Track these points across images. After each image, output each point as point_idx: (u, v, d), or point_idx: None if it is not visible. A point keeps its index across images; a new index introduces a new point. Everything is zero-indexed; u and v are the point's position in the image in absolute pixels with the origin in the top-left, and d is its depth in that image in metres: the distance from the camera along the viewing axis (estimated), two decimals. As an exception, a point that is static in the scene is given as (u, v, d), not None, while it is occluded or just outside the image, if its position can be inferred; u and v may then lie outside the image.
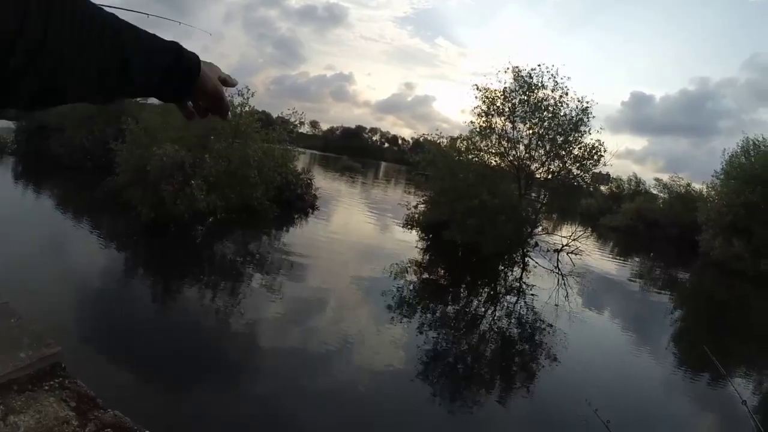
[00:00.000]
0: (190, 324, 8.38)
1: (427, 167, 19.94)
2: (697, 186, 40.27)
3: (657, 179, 48.26)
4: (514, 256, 18.88)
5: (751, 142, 31.30)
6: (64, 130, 22.11)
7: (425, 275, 15.04)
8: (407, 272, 14.26)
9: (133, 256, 12.08)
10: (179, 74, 0.79)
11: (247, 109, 17.50)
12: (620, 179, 51.89)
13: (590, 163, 19.27)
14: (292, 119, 20.20)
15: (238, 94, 17.41)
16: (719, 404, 8.82)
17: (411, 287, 13.07)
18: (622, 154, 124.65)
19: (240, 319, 8.77)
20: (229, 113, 0.94)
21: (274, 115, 22.69)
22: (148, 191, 13.76)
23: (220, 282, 11.04)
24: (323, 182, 31.13)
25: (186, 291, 10.11)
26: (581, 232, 20.62)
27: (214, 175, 14.63)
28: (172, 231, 13.51)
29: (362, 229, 20.64)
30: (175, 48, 0.77)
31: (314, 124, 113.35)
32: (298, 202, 19.97)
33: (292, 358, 7.69)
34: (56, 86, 0.62)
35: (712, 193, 33.30)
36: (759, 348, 13.81)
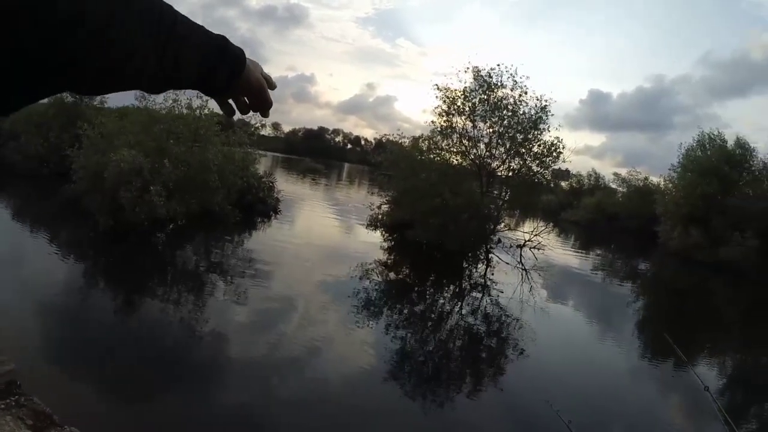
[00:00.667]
0: (153, 335, 8.18)
1: (389, 168, 20.01)
2: (654, 179, 41.50)
3: (616, 174, 49.67)
4: (478, 253, 19.06)
5: (706, 136, 32.48)
6: (19, 136, 21.39)
7: (391, 275, 15.07)
8: (373, 273, 14.28)
9: (93, 266, 11.75)
10: (226, 68, 0.79)
11: (206, 111, 17.24)
12: (580, 175, 52.99)
13: (550, 160, 19.68)
14: (253, 122, 20.00)
15: (197, 96, 17.15)
16: (683, 391, 9.06)
17: (377, 288, 13.07)
18: (581, 150, 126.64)
19: (205, 328, 8.61)
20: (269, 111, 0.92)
21: (235, 118, 22.39)
22: (106, 198, 13.42)
23: (183, 290, 10.83)
24: (286, 185, 30.89)
25: (148, 301, 9.86)
26: (543, 228, 21.02)
27: (173, 181, 14.36)
28: (133, 239, 13.18)
29: (326, 232, 20.56)
30: (222, 41, 0.77)
31: (276, 126, 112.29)
32: (260, 206, 19.74)
33: (261, 364, 7.61)
34: (115, 69, 0.62)
35: (670, 185, 34.33)
36: (719, 334, 14.30)
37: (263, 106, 0.90)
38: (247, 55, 0.82)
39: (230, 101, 0.89)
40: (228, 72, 0.79)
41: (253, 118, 19.90)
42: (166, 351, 7.63)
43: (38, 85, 0.58)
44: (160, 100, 16.91)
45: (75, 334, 7.73)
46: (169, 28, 0.67)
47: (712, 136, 32.49)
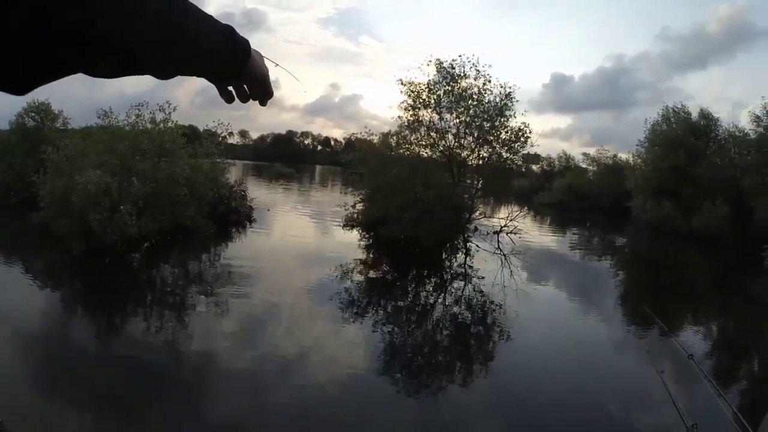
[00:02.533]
0: (138, 358, 7.96)
1: (359, 166, 19.99)
2: (623, 156, 42.36)
3: (585, 154, 50.39)
4: (456, 242, 19.17)
5: (671, 110, 33.18)
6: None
7: (371, 273, 15.06)
8: (353, 273, 14.25)
9: (69, 294, 11.47)
10: (233, 56, 0.81)
11: (170, 124, 17.01)
12: (550, 157, 53.65)
13: (518, 145, 19.86)
14: (219, 131, 19.79)
15: (159, 110, 16.92)
16: (668, 361, 9.14)
17: (359, 287, 13.07)
18: (549, 134, 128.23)
19: (190, 346, 8.52)
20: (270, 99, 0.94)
21: (201, 128, 22.13)
22: (75, 222, 13.07)
23: (164, 309, 10.63)
24: (258, 192, 30.62)
25: (129, 324, 9.65)
26: (517, 212, 21.20)
27: (142, 198, 14.12)
28: (107, 261, 12.89)
29: (303, 235, 20.45)
30: (230, 30, 0.79)
31: (244, 134, 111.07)
32: (234, 216, 19.49)
33: (251, 375, 7.52)
34: (136, 53, 0.63)
35: (639, 161, 35.03)
36: (698, 303, 14.56)
37: (264, 95, 0.92)
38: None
39: (230, 89, 0.90)
40: (239, 58, 0.81)
41: (219, 127, 19.78)
42: (153, 373, 7.47)
43: (66, 58, 0.59)
44: (123, 117, 16.70)
45: (57, 366, 7.54)
46: (183, 12, 0.68)
47: (676, 109, 33.23)
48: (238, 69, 0.83)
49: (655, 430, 6.57)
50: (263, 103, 0.94)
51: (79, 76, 0.65)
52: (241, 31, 0.79)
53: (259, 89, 0.90)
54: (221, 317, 9.98)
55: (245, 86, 0.89)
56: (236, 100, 0.92)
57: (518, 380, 8.06)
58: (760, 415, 5.39)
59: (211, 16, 0.75)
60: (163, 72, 0.72)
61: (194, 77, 0.80)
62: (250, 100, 0.93)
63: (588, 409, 7.22)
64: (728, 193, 27.03)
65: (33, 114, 22.50)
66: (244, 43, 0.82)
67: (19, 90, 0.60)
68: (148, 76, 0.71)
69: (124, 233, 13.10)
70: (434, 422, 6.68)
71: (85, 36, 0.56)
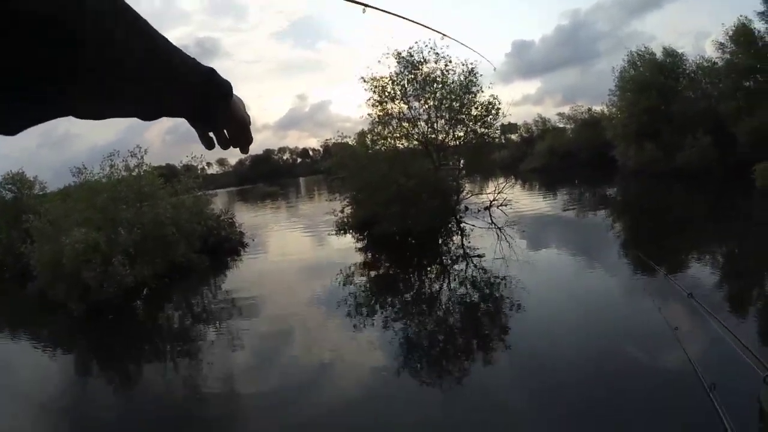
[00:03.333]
0: (159, 407, 7.96)
1: (339, 170, 20.02)
2: (597, 108, 42.47)
3: (560, 114, 50.79)
4: (450, 226, 19.21)
5: (635, 55, 33.31)
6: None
7: (372, 272, 15.06)
8: (355, 276, 14.25)
9: (78, 356, 11.37)
10: (214, 99, 0.79)
11: (145, 168, 16.99)
12: (527, 124, 53.80)
13: (491, 118, 19.92)
14: (194, 163, 19.79)
15: (131, 155, 16.88)
16: (671, 303, 9.12)
17: (363, 289, 13.09)
18: (520, 101, 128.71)
19: (209, 383, 8.44)
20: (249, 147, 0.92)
21: (179, 164, 22.09)
22: (71, 284, 13.05)
23: (176, 352, 10.62)
24: (247, 216, 30.64)
25: (145, 373, 9.64)
26: (504, 184, 21.26)
27: (132, 246, 14.12)
28: (110, 317, 12.81)
29: (298, 249, 20.43)
30: (212, 72, 0.78)
31: (222, 162, 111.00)
32: (226, 245, 19.54)
33: (275, 398, 7.49)
34: (118, 91, 0.61)
35: (614, 109, 35.16)
36: (693, 237, 14.56)
37: (244, 141, 0.90)
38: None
39: (211, 134, 0.88)
40: (217, 102, 0.80)
41: (193, 160, 19.77)
42: (174, 420, 7.46)
43: (41, 103, 0.56)
44: (98, 170, 16.68)
45: (76, 429, 7.59)
46: (166, 49, 0.67)
47: (640, 52, 33.38)
48: (221, 109, 0.82)
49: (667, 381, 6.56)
50: (244, 150, 0.92)
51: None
52: (199, 60, 0.79)
53: (240, 134, 0.89)
54: (234, 348, 9.96)
55: (225, 131, 0.88)
56: (216, 146, 0.90)
57: (534, 347, 8.06)
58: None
59: (193, 59, 0.74)
60: (148, 113, 0.71)
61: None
62: (231, 147, 0.91)
63: (604, 362, 7.26)
64: (707, 124, 27.17)
65: (9, 186, 22.43)
66: (226, 86, 0.81)
67: (9, 130, 0.58)
68: (123, 121, 0.71)
69: (120, 284, 13.08)
70: (462, 405, 6.69)
71: (79, 80, 0.55)
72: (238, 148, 0.92)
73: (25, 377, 10.12)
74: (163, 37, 0.67)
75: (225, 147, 0.90)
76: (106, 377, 10.05)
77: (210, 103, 0.79)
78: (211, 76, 0.77)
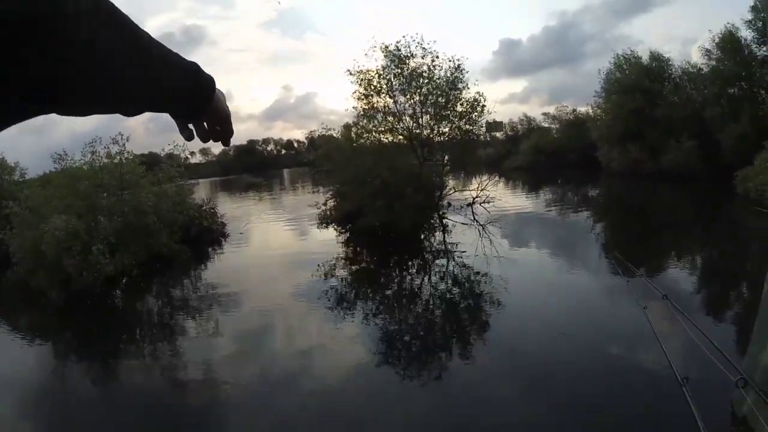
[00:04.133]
0: (138, 396, 7.91)
1: (324, 163, 19.97)
2: (582, 109, 42.82)
3: (545, 113, 50.93)
4: (432, 221, 19.24)
5: (621, 58, 33.67)
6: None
7: (354, 266, 15.07)
8: (336, 269, 14.24)
9: (57, 344, 11.21)
10: (197, 93, 0.80)
11: (127, 155, 16.79)
12: (513, 122, 54.00)
13: (476, 115, 19.95)
14: (176, 152, 19.61)
15: (113, 143, 16.65)
16: (646, 303, 9.23)
17: (344, 282, 13.07)
18: (506, 99, 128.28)
19: (189, 373, 8.44)
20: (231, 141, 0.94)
21: (162, 153, 21.83)
22: (51, 272, 12.93)
23: (156, 341, 10.56)
24: (230, 207, 30.45)
25: (123, 363, 9.50)
26: (488, 181, 21.33)
27: (112, 234, 13.96)
28: (89, 305, 12.70)
29: (281, 241, 20.32)
30: (195, 67, 0.78)
31: (205, 151, 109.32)
32: (208, 235, 19.41)
33: (255, 391, 7.48)
34: (101, 87, 0.61)
35: (599, 111, 35.43)
36: (672, 240, 14.74)
37: (226, 134, 0.91)
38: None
39: (191, 127, 0.88)
40: (202, 96, 0.81)
41: (175, 148, 19.58)
42: (154, 411, 7.38)
43: (27, 101, 0.56)
44: (79, 157, 16.47)
45: (53, 419, 7.51)
46: (149, 48, 0.67)
47: (626, 55, 33.76)
48: (203, 105, 0.83)
49: (644, 374, 6.64)
50: (226, 143, 0.94)
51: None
52: (184, 48, 0.78)
53: (222, 128, 0.90)
54: (215, 337, 9.96)
55: (206, 125, 0.89)
56: (196, 138, 0.91)
57: (513, 342, 8.14)
58: (743, 346, 5.50)
59: (177, 54, 0.74)
60: (130, 109, 0.71)
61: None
62: (211, 141, 0.92)
63: (582, 355, 7.36)
64: (691, 128, 27.45)
65: (-12, 171, 22.09)
66: (209, 80, 0.82)
67: None
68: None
69: (100, 272, 12.97)
70: (440, 399, 6.72)
71: (63, 79, 0.56)
72: (219, 142, 0.93)
73: (2, 364, 9.98)
74: (147, 34, 0.67)
75: (205, 140, 0.91)
76: (85, 365, 9.94)
77: (195, 100, 0.80)
78: (196, 73, 0.78)
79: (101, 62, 0.58)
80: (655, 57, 32.90)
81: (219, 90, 0.86)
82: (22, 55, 0.50)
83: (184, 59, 0.76)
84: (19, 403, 8.16)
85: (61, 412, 7.80)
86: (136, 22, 0.65)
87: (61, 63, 0.54)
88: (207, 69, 0.82)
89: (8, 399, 8.27)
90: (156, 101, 0.75)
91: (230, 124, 0.91)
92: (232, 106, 0.94)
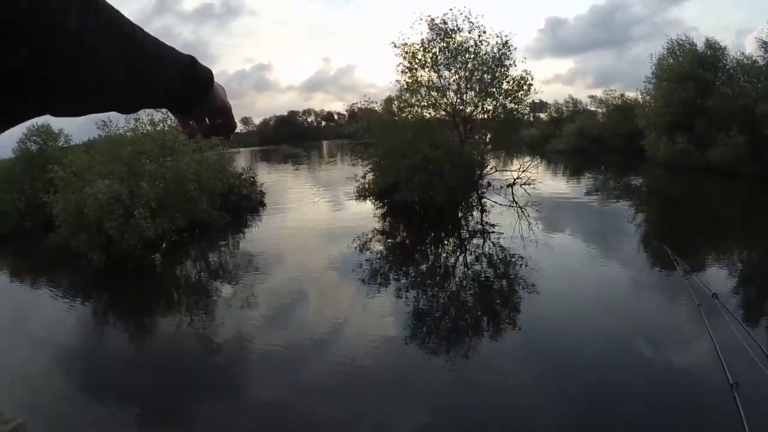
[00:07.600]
0: (172, 358, 8.17)
1: (364, 136, 19.86)
2: (631, 95, 41.31)
3: (591, 96, 49.42)
4: (471, 200, 19.00)
5: (675, 43, 32.20)
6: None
7: (389, 240, 15.03)
8: (372, 242, 14.25)
9: (97, 305, 11.63)
10: (194, 86, 0.78)
11: (169, 123, 16.96)
12: (557, 104, 52.80)
13: (522, 94, 19.45)
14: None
15: (157, 110, 16.83)
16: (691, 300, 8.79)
17: (379, 256, 13.07)
18: (551, 80, 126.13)
19: (223, 337, 8.62)
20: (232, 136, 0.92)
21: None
22: (93, 234, 13.25)
23: (192, 305, 10.78)
24: (268, 176, 30.68)
25: (159, 325, 9.84)
26: (529, 163, 20.88)
27: (154, 200, 14.20)
28: (130, 268, 13.00)
29: (317, 212, 20.42)
30: (191, 60, 0.77)
31: (246, 121, 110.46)
32: (246, 203, 19.64)
33: (287, 357, 7.60)
34: (91, 88, 0.60)
35: (648, 97, 34.18)
36: (720, 238, 14.03)
37: (227, 128, 0.89)
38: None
39: (192, 123, 0.87)
40: (198, 91, 0.79)
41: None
42: (189, 371, 7.59)
43: (14, 105, 0.56)
44: (122, 124, 16.72)
45: (93, 375, 7.77)
46: (142, 45, 0.65)
47: (681, 41, 32.24)
48: (200, 97, 0.79)
49: (690, 373, 6.37)
50: (228, 137, 0.90)
51: None
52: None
53: (223, 122, 0.87)
54: (249, 304, 10.08)
55: (207, 119, 0.86)
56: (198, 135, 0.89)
57: (547, 330, 7.97)
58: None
59: (172, 48, 0.72)
60: (128, 109, 0.71)
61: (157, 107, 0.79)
62: (213, 136, 0.89)
63: (621, 348, 7.14)
64: (742, 122, 26.28)
65: (35, 138, 22.58)
66: (206, 73, 0.79)
67: None
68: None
69: (141, 236, 13.24)
70: (466, 381, 6.66)
71: (52, 80, 0.55)
72: (221, 137, 0.91)
73: (44, 324, 10.33)
74: (141, 29, 0.66)
75: (207, 136, 0.90)
76: (122, 324, 10.28)
77: (189, 93, 0.78)
78: (191, 67, 0.76)
79: (91, 55, 0.57)
80: (710, 45, 31.22)
81: (218, 84, 0.83)
82: (3, 55, 0.49)
83: (180, 53, 0.74)
84: (61, 358, 8.45)
85: (99, 366, 8.06)
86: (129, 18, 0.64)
87: (48, 58, 0.53)
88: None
89: (50, 354, 8.59)
90: (150, 96, 0.72)
91: (232, 117, 0.88)
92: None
